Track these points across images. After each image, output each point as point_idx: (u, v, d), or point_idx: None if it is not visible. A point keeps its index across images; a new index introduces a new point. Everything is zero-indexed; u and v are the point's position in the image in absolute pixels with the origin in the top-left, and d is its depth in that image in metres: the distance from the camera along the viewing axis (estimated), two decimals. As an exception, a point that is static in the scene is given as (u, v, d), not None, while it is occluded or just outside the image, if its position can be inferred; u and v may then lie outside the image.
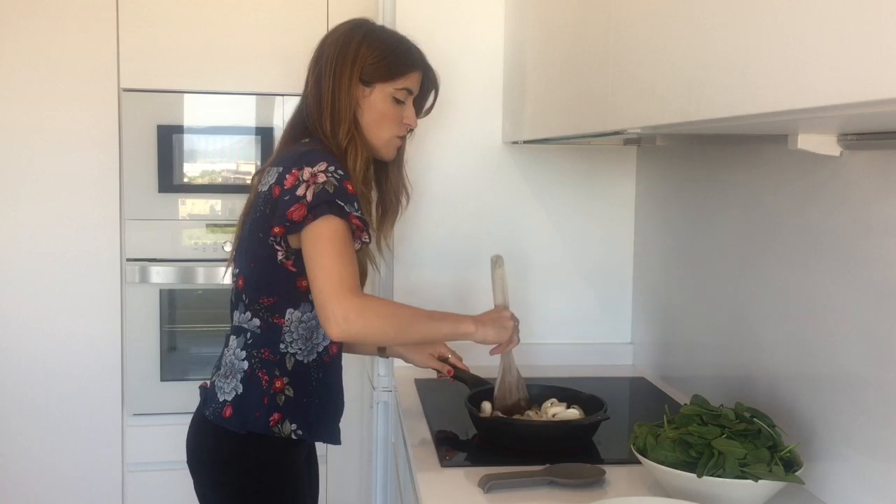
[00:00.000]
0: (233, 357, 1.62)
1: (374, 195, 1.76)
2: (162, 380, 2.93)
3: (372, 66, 1.64)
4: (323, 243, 1.48)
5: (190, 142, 2.92)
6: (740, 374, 1.75)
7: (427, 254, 2.35)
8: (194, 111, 2.90)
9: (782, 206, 1.59)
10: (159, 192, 2.88)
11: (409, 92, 1.70)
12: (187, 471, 2.97)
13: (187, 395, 2.91)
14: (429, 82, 1.75)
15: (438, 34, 2.29)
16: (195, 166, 2.95)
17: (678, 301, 2.12)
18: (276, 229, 1.53)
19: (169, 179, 2.88)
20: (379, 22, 2.34)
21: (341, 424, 1.68)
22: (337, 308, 1.44)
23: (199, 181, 2.95)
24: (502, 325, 1.71)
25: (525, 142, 2.18)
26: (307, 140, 1.65)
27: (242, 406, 1.58)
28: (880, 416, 1.29)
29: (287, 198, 1.50)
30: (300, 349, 1.60)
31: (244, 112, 2.93)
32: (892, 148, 1.23)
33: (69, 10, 2.81)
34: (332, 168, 1.52)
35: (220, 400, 1.60)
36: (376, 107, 1.66)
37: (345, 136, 1.62)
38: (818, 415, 1.44)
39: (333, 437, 1.66)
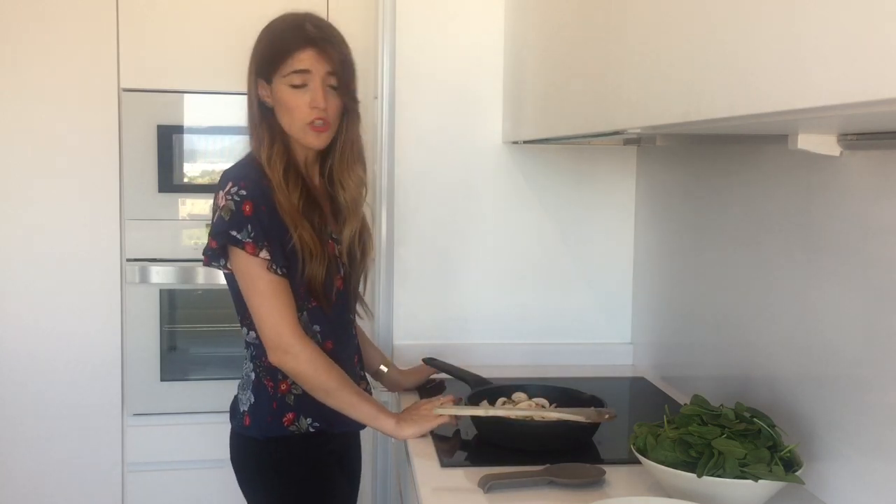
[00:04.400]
0: (247, 370, 1.70)
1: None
2: (162, 380, 2.93)
3: (260, 61, 1.65)
4: (252, 281, 1.57)
5: (190, 142, 2.92)
6: (740, 374, 1.75)
7: (427, 254, 2.35)
8: (194, 111, 2.90)
9: (782, 206, 1.59)
10: (159, 192, 2.88)
11: (305, 72, 1.59)
12: (187, 471, 3.00)
13: (187, 395, 2.94)
14: (335, 61, 1.60)
15: (438, 34, 2.29)
16: (195, 166, 2.94)
17: (678, 301, 2.12)
18: (204, 259, 1.63)
19: (169, 179, 2.88)
20: (379, 23, 2.35)
21: None
22: (291, 341, 1.55)
23: (200, 181, 2.94)
24: (420, 416, 1.64)
25: (525, 142, 2.18)
26: (245, 155, 1.70)
27: (257, 414, 1.66)
28: (880, 416, 1.29)
29: (208, 225, 1.62)
30: None
31: (244, 112, 2.92)
32: (892, 148, 1.23)
33: (69, 10, 2.80)
34: (234, 189, 1.57)
35: (241, 411, 1.69)
36: (279, 100, 1.63)
37: (264, 132, 1.64)
38: (818, 415, 1.44)
39: (354, 423, 1.67)
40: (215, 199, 1.61)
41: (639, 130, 1.33)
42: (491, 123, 2.33)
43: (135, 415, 2.93)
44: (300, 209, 1.61)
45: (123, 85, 2.85)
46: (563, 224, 2.40)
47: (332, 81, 1.62)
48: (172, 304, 2.96)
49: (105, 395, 2.92)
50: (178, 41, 2.86)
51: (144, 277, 2.88)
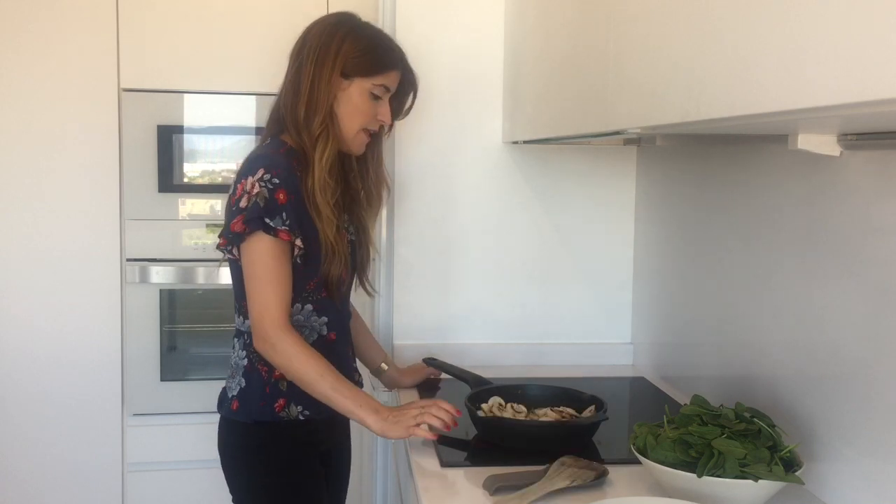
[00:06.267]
0: (236, 358, 1.71)
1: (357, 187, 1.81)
2: (162, 380, 2.93)
3: (353, 59, 1.67)
4: (255, 268, 1.58)
5: (190, 142, 2.92)
6: (740, 374, 1.75)
7: (427, 254, 2.35)
8: (194, 111, 2.90)
9: (782, 206, 1.59)
10: (159, 192, 2.88)
11: (387, 89, 1.72)
12: (187, 471, 3.00)
13: (187, 395, 2.94)
14: (407, 83, 1.78)
15: (438, 34, 2.29)
16: (195, 166, 2.94)
17: (678, 301, 2.12)
18: (221, 241, 1.63)
19: (169, 179, 2.88)
20: (379, 23, 2.35)
21: None
22: (270, 331, 1.56)
23: (199, 181, 2.95)
24: (407, 418, 1.58)
25: (525, 142, 2.18)
26: (268, 141, 1.71)
27: (246, 398, 1.67)
28: (880, 416, 1.29)
29: (234, 209, 1.59)
30: None
31: (244, 112, 2.93)
32: (892, 148, 1.23)
33: (69, 10, 2.80)
34: (266, 176, 1.58)
35: (229, 397, 1.70)
36: (352, 100, 1.68)
37: (319, 125, 1.65)
38: (818, 415, 1.44)
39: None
40: (242, 183, 1.59)
41: (639, 130, 1.33)
42: (491, 123, 2.33)
43: (135, 415, 2.93)
44: (332, 207, 1.65)
45: (123, 85, 2.85)
46: (563, 224, 2.40)
47: (391, 100, 1.76)
48: (172, 304, 2.96)
49: (105, 395, 2.92)
50: (178, 41, 2.86)
51: (144, 277, 2.88)
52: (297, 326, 1.66)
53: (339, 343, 1.75)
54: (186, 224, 2.91)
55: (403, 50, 1.76)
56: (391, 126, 1.80)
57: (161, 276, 2.89)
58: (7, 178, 2.83)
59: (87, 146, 2.85)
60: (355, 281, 1.84)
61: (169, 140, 2.87)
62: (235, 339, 1.73)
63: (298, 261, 1.63)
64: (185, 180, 2.92)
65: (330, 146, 1.65)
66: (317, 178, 1.62)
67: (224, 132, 2.96)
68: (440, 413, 1.59)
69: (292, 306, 1.66)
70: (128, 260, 2.88)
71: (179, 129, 2.89)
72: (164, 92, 2.87)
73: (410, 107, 1.83)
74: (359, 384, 1.78)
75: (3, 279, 2.85)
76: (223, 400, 1.73)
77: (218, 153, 3.00)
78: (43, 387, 2.89)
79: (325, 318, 1.71)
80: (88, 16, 2.81)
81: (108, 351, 2.91)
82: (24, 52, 2.80)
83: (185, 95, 2.88)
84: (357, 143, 1.73)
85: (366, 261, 1.84)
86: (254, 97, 2.91)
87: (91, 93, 2.84)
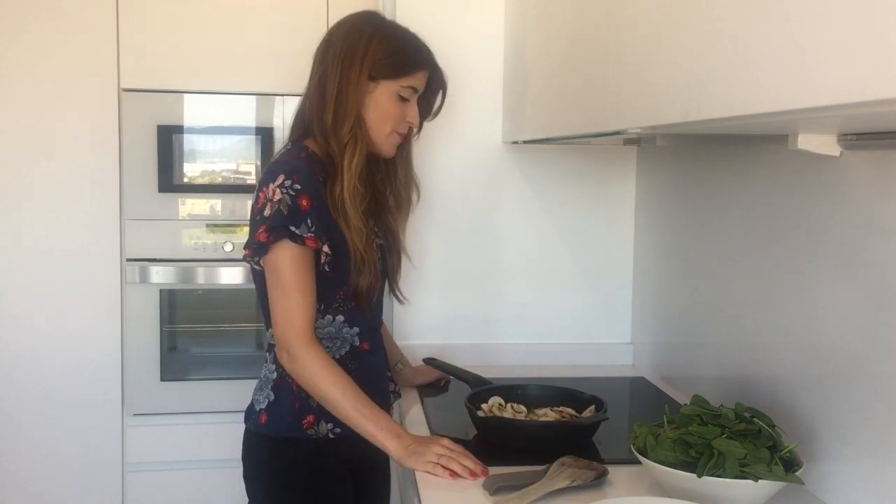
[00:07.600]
0: (266, 371, 1.67)
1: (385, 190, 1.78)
2: (162, 380, 2.92)
3: (380, 62, 1.62)
4: (279, 277, 1.54)
5: (190, 142, 2.92)
6: (740, 374, 1.75)
7: (426, 254, 2.35)
8: (194, 111, 2.90)
9: (782, 206, 1.59)
10: (159, 192, 2.88)
11: (415, 90, 1.68)
12: (187, 471, 3.00)
13: (187, 396, 2.94)
14: (436, 82, 1.73)
15: (438, 34, 2.28)
16: (195, 166, 2.94)
17: (678, 301, 2.12)
18: (246, 252, 1.58)
19: (169, 179, 2.88)
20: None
21: None
22: (294, 343, 1.53)
23: (199, 181, 2.94)
24: (422, 453, 1.50)
25: (525, 142, 2.18)
26: (289, 145, 1.67)
27: (275, 412, 1.63)
28: (880, 416, 1.29)
29: (258, 218, 1.55)
30: (327, 348, 1.62)
31: (244, 112, 2.93)
32: (892, 148, 1.23)
33: (69, 10, 2.80)
34: (287, 182, 1.53)
35: (257, 410, 1.66)
36: (380, 104, 1.64)
37: (348, 132, 1.60)
38: (818, 415, 1.44)
39: None
40: (264, 191, 1.55)
41: (639, 130, 1.33)
42: (491, 123, 2.33)
43: (135, 415, 2.93)
44: (362, 216, 1.61)
45: (123, 85, 2.84)
46: (563, 224, 2.40)
47: (420, 100, 1.72)
48: (172, 304, 2.96)
49: (105, 395, 2.92)
50: (178, 41, 2.86)
51: (144, 277, 2.88)
52: (329, 338, 1.64)
53: (373, 353, 1.71)
54: (186, 224, 2.91)
55: (431, 49, 1.71)
56: (420, 127, 1.75)
57: (161, 276, 2.89)
58: (7, 178, 2.83)
59: (87, 146, 2.85)
60: (385, 288, 1.79)
61: (169, 140, 2.87)
62: (268, 353, 1.68)
63: (327, 268, 1.58)
64: (185, 180, 2.92)
65: (359, 152, 1.61)
66: (346, 185, 1.58)
67: (224, 132, 2.96)
68: (468, 463, 1.49)
69: (323, 318, 1.63)
70: (128, 260, 2.88)
71: (179, 129, 2.88)
72: (164, 92, 2.86)
73: (440, 107, 1.78)
74: (395, 394, 1.79)
75: (3, 279, 2.85)
76: (250, 413, 1.68)
77: (218, 153, 3.00)
78: (43, 387, 2.88)
79: (356, 329, 1.67)
80: (88, 16, 2.81)
81: (108, 351, 2.90)
82: (24, 52, 2.79)
83: (185, 95, 2.88)
84: (389, 146, 1.69)
85: (396, 267, 1.79)
86: (254, 97, 2.91)
87: (91, 93, 2.83)
